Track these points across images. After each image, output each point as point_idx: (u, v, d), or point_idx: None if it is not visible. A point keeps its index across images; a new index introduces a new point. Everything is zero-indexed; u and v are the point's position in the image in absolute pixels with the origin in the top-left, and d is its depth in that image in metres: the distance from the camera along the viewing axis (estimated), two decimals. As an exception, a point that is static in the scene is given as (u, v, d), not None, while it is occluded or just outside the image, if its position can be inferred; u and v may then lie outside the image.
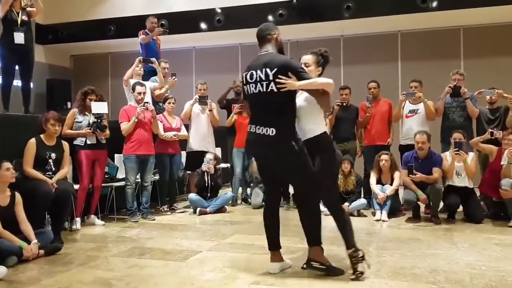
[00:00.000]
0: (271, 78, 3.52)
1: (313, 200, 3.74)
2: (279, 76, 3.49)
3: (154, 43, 8.14)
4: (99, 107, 5.79)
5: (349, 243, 3.68)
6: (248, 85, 3.68)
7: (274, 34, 3.72)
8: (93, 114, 5.75)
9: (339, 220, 3.78)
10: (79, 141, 5.70)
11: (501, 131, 6.03)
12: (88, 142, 5.71)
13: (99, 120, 5.74)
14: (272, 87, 3.52)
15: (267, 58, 3.61)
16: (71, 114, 5.78)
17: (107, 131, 5.84)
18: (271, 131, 3.51)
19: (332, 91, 3.65)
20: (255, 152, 3.82)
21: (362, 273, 3.58)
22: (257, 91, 3.59)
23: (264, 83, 3.55)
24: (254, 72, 3.60)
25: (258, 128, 3.58)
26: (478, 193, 6.25)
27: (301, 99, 3.75)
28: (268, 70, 3.53)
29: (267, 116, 3.58)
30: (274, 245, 3.82)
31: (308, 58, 3.82)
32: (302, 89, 3.62)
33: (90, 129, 5.68)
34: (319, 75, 3.80)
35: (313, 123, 3.72)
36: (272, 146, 3.55)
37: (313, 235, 3.73)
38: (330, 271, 3.65)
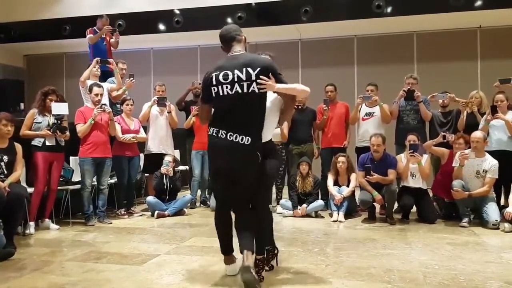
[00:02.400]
0: (253, 78, 3.37)
1: (267, 206, 3.75)
2: (261, 76, 3.36)
3: (102, 41, 7.88)
4: (60, 108, 5.67)
5: (266, 245, 3.71)
6: (219, 86, 3.42)
7: (242, 35, 3.61)
8: (53, 115, 5.64)
9: (264, 221, 3.71)
10: (36, 142, 5.60)
11: (453, 135, 6.22)
12: (47, 143, 5.61)
13: (59, 122, 5.64)
14: (253, 87, 3.37)
15: (247, 58, 3.46)
16: (31, 114, 5.68)
17: (67, 133, 5.76)
18: (247, 140, 3.35)
19: (305, 98, 3.60)
20: (225, 158, 3.42)
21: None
22: (233, 92, 3.38)
23: (245, 84, 3.36)
24: (229, 72, 3.39)
25: (231, 135, 3.36)
26: (431, 194, 6.44)
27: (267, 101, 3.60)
28: (250, 70, 3.37)
29: (241, 120, 3.38)
30: (229, 249, 3.73)
31: None
32: (277, 92, 3.50)
33: (50, 130, 5.58)
34: None
35: (270, 128, 3.63)
36: (246, 155, 3.39)
37: (265, 241, 3.69)
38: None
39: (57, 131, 5.61)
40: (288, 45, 10.61)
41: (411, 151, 5.97)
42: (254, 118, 3.43)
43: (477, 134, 5.88)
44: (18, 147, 5.10)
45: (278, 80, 3.45)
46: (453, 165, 5.95)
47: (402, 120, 6.82)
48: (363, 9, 9.05)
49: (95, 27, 7.86)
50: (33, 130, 5.61)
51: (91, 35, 7.76)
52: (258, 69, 3.38)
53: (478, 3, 8.56)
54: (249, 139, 3.36)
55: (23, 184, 5.34)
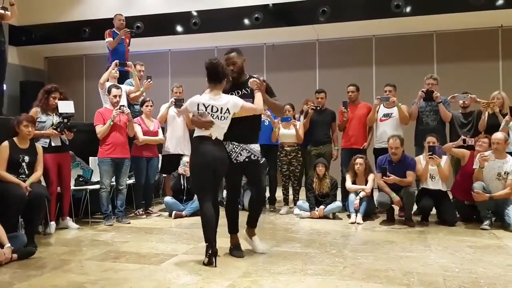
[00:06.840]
0: None
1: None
2: None
3: (121, 43, 7.88)
4: (66, 106, 5.58)
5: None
6: None
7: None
8: (61, 113, 5.56)
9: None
10: (42, 143, 5.46)
11: (473, 139, 6.10)
12: (53, 144, 5.54)
13: (66, 120, 5.55)
14: None
15: None
16: (33, 113, 5.50)
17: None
18: None
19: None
20: None
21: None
22: None
23: None
24: None
25: None
26: (451, 196, 6.36)
27: None
28: None
29: None
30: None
31: None
32: None
33: (57, 130, 5.51)
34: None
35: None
36: None
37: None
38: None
39: (64, 130, 5.52)
40: (305, 46, 10.59)
41: (430, 153, 5.89)
42: None
43: (498, 136, 5.79)
44: (39, 147, 5.17)
45: None
46: (474, 167, 5.87)
47: (421, 121, 6.74)
48: (381, 9, 9.00)
49: (113, 29, 7.91)
50: (37, 130, 5.36)
51: (110, 38, 7.76)
52: None
53: (500, 2, 8.45)
54: None
55: (43, 184, 5.39)
